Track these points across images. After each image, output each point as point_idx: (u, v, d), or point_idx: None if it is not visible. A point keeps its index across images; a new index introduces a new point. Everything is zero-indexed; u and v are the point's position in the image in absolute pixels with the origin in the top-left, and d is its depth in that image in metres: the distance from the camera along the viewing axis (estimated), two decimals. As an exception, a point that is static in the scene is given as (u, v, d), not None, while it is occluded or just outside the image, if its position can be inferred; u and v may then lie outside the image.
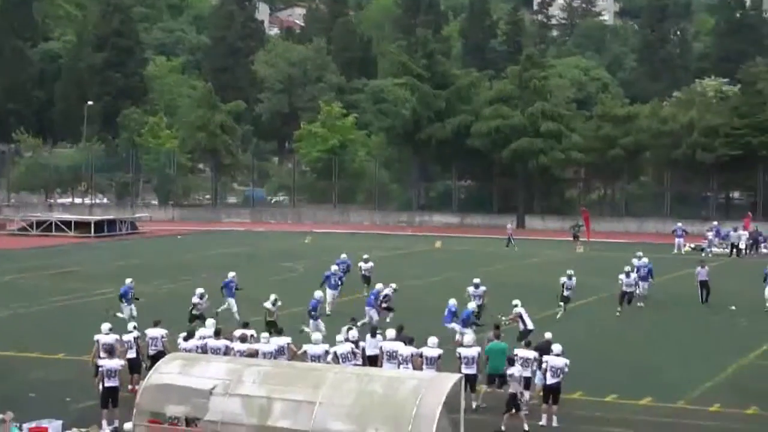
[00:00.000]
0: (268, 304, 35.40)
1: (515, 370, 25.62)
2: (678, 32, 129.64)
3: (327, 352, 26.89)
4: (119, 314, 36.03)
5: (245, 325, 29.69)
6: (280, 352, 27.26)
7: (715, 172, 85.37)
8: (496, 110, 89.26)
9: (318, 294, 36.65)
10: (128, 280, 39.09)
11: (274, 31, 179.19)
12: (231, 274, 40.21)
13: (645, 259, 45.08)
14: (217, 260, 60.64)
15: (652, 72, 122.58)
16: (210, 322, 29.40)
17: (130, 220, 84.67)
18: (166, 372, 21.91)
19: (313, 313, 35.21)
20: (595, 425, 26.13)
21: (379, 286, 38.96)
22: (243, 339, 27.98)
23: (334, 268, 43.07)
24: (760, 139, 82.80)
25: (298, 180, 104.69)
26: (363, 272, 45.66)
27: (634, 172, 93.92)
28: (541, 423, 25.88)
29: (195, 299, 36.08)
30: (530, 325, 32.08)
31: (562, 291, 41.29)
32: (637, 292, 43.39)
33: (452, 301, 34.57)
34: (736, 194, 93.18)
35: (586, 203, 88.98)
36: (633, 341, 37.14)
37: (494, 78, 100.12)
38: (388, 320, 36.47)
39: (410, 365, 26.38)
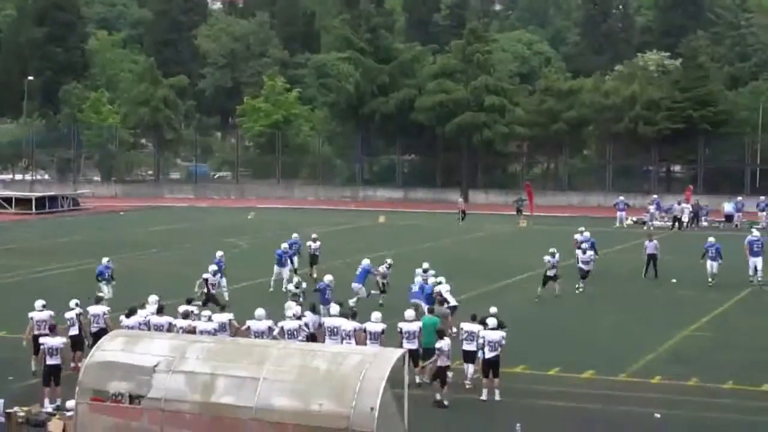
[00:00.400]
0: (290, 287, 34.47)
1: (443, 344, 25.59)
2: (620, 6, 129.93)
3: (271, 329, 26.83)
4: (99, 293, 34.87)
5: (188, 302, 29.52)
6: (221, 328, 27.15)
7: (657, 146, 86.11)
8: (440, 85, 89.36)
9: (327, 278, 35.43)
10: (105, 260, 37.99)
11: (216, 5, 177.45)
12: (219, 254, 39.18)
13: (587, 234, 45.31)
14: (160, 236, 60.37)
15: (595, 46, 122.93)
16: (153, 298, 29.14)
17: (72, 197, 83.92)
18: (109, 349, 21.70)
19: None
20: (538, 398, 26.23)
21: (365, 261, 37.63)
22: (185, 315, 27.86)
23: (284, 246, 42.44)
24: (701, 113, 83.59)
25: (242, 155, 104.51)
26: (311, 251, 44.55)
27: (577, 146, 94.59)
28: (482, 398, 25.98)
29: (207, 275, 35.57)
30: (452, 302, 31.47)
31: (546, 271, 39.81)
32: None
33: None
34: (677, 167, 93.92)
35: (530, 177, 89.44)
36: (576, 315, 37.38)
37: (438, 52, 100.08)
38: (380, 302, 36.30)
39: (353, 340, 26.43)
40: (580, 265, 42.07)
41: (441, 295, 31.33)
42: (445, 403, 25.37)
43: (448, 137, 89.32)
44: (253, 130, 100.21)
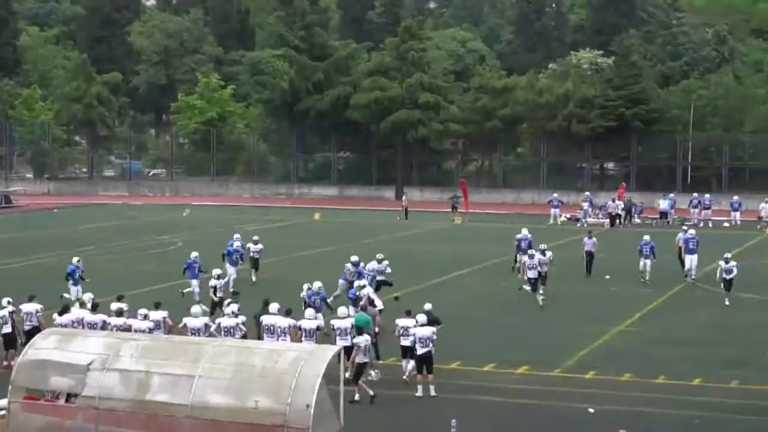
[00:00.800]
0: (213, 281, 34.13)
1: (360, 340, 25.62)
2: (554, 5, 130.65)
3: (207, 326, 26.72)
4: (66, 294, 34.22)
5: (119, 299, 29.27)
6: (156, 326, 26.98)
7: (590, 143, 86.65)
8: (375, 82, 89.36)
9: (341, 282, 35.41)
10: (75, 259, 37.05)
11: (150, 1, 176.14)
12: (194, 255, 38.39)
13: (525, 231, 45.22)
14: (94, 234, 59.86)
15: (529, 44, 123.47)
16: (88, 296, 28.88)
17: (4, 194, 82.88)
18: (43, 347, 21.60)
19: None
20: (473, 394, 26.28)
21: (354, 258, 36.73)
22: (119, 313, 27.63)
23: (236, 244, 41.46)
24: (633, 111, 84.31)
25: (176, 152, 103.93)
26: (252, 254, 42.96)
27: (511, 143, 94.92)
28: (417, 394, 26.03)
29: (213, 282, 34.31)
30: (380, 305, 31.31)
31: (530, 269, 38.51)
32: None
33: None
34: (610, 165, 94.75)
35: (465, 175, 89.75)
36: (510, 311, 37.49)
37: (373, 50, 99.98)
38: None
39: (288, 337, 26.39)
40: (529, 275, 38.97)
41: (369, 297, 31.10)
42: (371, 393, 25.44)
43: (383, 135, 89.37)
44: (187, 127, 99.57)
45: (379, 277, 36.08)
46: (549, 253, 39.44)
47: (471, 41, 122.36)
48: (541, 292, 38.09)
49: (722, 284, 38.47)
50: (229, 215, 71.65)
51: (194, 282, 37.29)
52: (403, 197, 75.52)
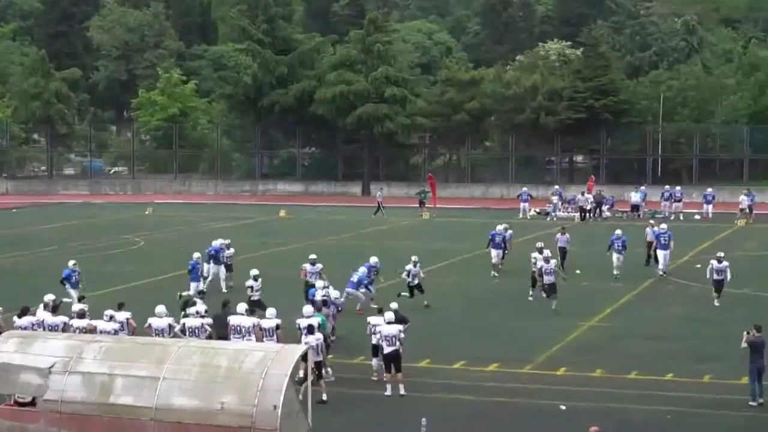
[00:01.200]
0: (249, 282, 33.23)
1: (311, 339, 25.17)
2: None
3: (171, 326, 26.27)
4: (66, 299, 32.80)
5: (80, 300, 28.62)
6: (120, 327, 26.41)
7: (559, 136, 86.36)
8: (340, 76, 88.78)
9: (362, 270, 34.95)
10: (71, 263, 35.94)
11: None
12: (195, 255, 37.60)
13: (499, 227, 44.54)
14: (55, 234, 59.27)
15: (496, 36, 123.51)
16: (48, 297, 28.15)
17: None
18: (3, 351, 21.33)
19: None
20: (443, 393, 25.99)
21: (374, 259, 36.33)
22: (81, 315, 27.00)
23: (217, 243, 40.52)
24: (602, 102, 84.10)
25: (138, 150, 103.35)
26: (224, 260, 41.18)
27: (479, 137, 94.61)
28: (386, 393, 25.73)
29: (249, 282, 33.28)
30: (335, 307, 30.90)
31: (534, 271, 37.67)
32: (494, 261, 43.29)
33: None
34: (579, 158, 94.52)
35: (432, 169, 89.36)
36: (480, 307, 37.17)
37: (337, 43, 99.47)
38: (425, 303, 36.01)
39: (253, 336, 26.08)
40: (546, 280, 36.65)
41: (329, 297, 30.75)
42: (324, 398, 24.99)
43: (349, 129, 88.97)
44: (149, 123, 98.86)
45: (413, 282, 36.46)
46: (554, 261, 37.60)
47: (437, 33, 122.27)
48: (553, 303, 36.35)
49: (713, 285, 36.95)
50: (193, 213, 71.03)
51: (193, 285, 36.50)
52: (378, 192, 74.91)
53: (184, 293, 35.77)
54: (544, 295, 36.59)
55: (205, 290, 32.19)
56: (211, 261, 39.60)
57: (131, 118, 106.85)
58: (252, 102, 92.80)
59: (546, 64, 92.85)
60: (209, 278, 38.96)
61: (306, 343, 24.99)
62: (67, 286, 35.09)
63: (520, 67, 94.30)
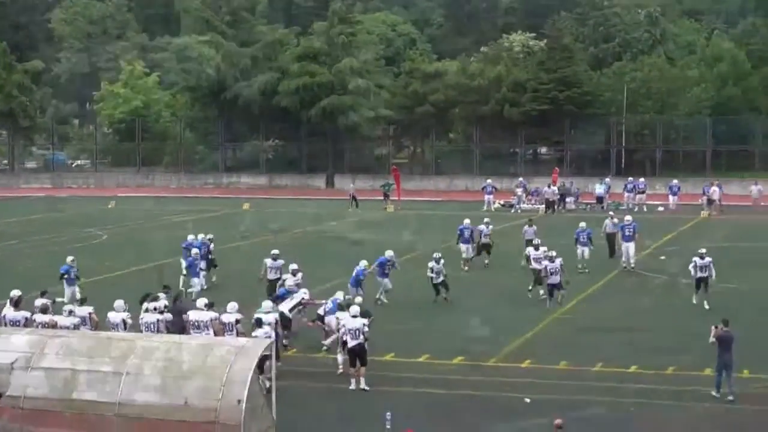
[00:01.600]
0: (288, 279, 32.39)
1: (260, 333, 25.02)
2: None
3: (125, 321, 26.09)
4: (59, 298, 32.01)
5: (43, 294, 28.33)
6: (82, 322, 26.23)
7: (524, 128, 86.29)
8: (303, 67, 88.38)
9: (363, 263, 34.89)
10: (69, 259, 35.40)
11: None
12: (194, 252, 36.80)
13: (467, 221, 44.39)
14: (17, 227, 58.85)
15: (460, 27, 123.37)
16: (15, 293, 27.85)
17: None
18: (-36, 347, 21.12)
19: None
20: (408, 386, 25.97)
21: (389, 253, 36.19)
22: (44, 310, 26.78)
23: (192, 237, 39.91)
24: (566, 94, 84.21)
25: (100, 143, 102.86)
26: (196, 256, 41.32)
27: (444, 129, 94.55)
28: (350, 387, 25.64)
29: (286, 276, 32.82)
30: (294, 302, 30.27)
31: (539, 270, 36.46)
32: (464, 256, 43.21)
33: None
34: (543, 150, 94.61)
35: (396, 161, 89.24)
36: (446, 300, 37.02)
37: (301, 34, 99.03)
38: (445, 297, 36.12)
39: (212, 331, 25.91)
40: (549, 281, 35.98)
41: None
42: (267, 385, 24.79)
43: (313, 122, 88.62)
44: (112, 117, 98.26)
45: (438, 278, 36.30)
46: (559, 260, 36.27)
47: (401, 25, 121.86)
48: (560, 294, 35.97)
49: (695, 283, 35.00)
50: (156, 206, 70.68)
51: (196, 280, 36.10)
52: (351, 185, 74.68)
53: (189, 290, 35.61)
54: (547, 295, 35.79)
55: (169, 285, 31.86)
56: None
57: (94, 110, 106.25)
58: (215, 94, 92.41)
59: (510, 55, 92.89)
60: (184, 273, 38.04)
61: (255, 336, 24.92)
62: (65, 282, 34.55)
63: (484, 58, 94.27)
